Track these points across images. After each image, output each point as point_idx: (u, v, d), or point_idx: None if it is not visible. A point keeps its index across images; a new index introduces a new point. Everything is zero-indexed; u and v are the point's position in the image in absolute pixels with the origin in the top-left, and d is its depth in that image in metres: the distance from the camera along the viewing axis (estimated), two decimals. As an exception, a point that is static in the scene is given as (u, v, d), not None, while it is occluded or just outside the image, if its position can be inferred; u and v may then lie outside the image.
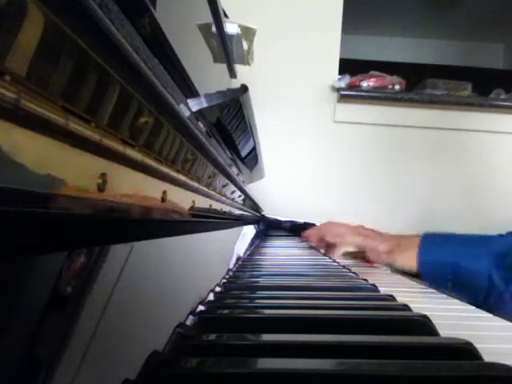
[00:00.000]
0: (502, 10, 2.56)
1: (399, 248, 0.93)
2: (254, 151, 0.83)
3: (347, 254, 1.03)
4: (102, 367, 0.19)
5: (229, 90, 0.54)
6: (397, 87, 1.70)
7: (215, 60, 0.66)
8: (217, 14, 0.57)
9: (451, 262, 0.85)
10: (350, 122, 1.72)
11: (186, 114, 0.33)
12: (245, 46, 0.79)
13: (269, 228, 1.51)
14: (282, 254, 0.97)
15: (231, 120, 0.57)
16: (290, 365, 0.23)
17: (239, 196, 0.75)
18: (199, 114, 0.42)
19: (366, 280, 0.56)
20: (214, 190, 0.48)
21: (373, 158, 1.73)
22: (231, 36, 0.72)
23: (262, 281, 0.54)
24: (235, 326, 0.31)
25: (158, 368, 0.21)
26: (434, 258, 0.88)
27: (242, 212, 0.86)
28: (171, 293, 0.32)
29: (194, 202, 0.37)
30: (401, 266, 0.91)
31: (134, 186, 0.22)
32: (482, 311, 0.46)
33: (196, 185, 0.37)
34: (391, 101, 1.70)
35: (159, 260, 0.30)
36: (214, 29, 0.59)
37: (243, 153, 0.77)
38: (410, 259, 0.90)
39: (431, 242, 0.91)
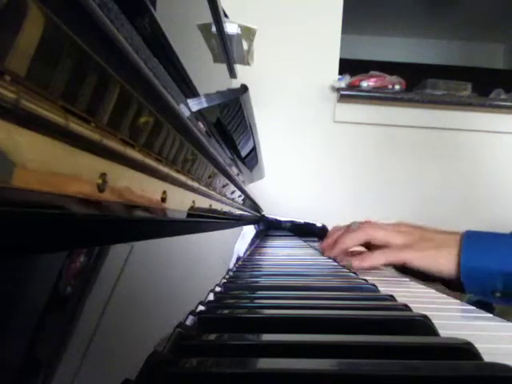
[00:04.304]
0: (502, 10, 2.57)
1: (428, 244, 0.75)
2: (253, 151, 0.83)
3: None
4: (102, 367, 0.19)
5: (229, 90, 0.54)
6: (397, 87, 1.70)
7: (215, 60, 0.66)
8: (217, 14, 0.57)
9: (501, 270, 0.69)
10: (350, 122, 1.72)
11: (186, 114, 0.33)
12: (245, 46, 0.79)
13: (269, 228, 1.51)
14: (282, 253, 0.97)
15: (231, 120, 0.57)
16: (290, 365, 0.23)
17: (239, 196, 0.75)
18: (199, 114, 0.42)
19: (365, 280, 0.56)
20: (214, 190, 0.48)
21: (372, 158, 1.73)
22: (231, 36, 0.72)
23: (262, 281, 0.54)
24: (235, 325, 0.31)
25: (158, 368, 0.21)
26: (481, 263, 0.71)
27: (241, 212, 0.86)
28: (171, 293, 0.32)
29: (194, 202, 0.37)
30: (432, 269, 0.74)
31: (133, 186, 0.22)
32: (482, 311, 0.46)
33: (196, 185, 0.37)
34: (391, 101, 1.70)
35: (159, 260, 0.30)
36: (214, 29, 0.59)
37: (243, 153, 0.77)
38: (446, 261, 0.73)
39: (477, 244, 0.73)
